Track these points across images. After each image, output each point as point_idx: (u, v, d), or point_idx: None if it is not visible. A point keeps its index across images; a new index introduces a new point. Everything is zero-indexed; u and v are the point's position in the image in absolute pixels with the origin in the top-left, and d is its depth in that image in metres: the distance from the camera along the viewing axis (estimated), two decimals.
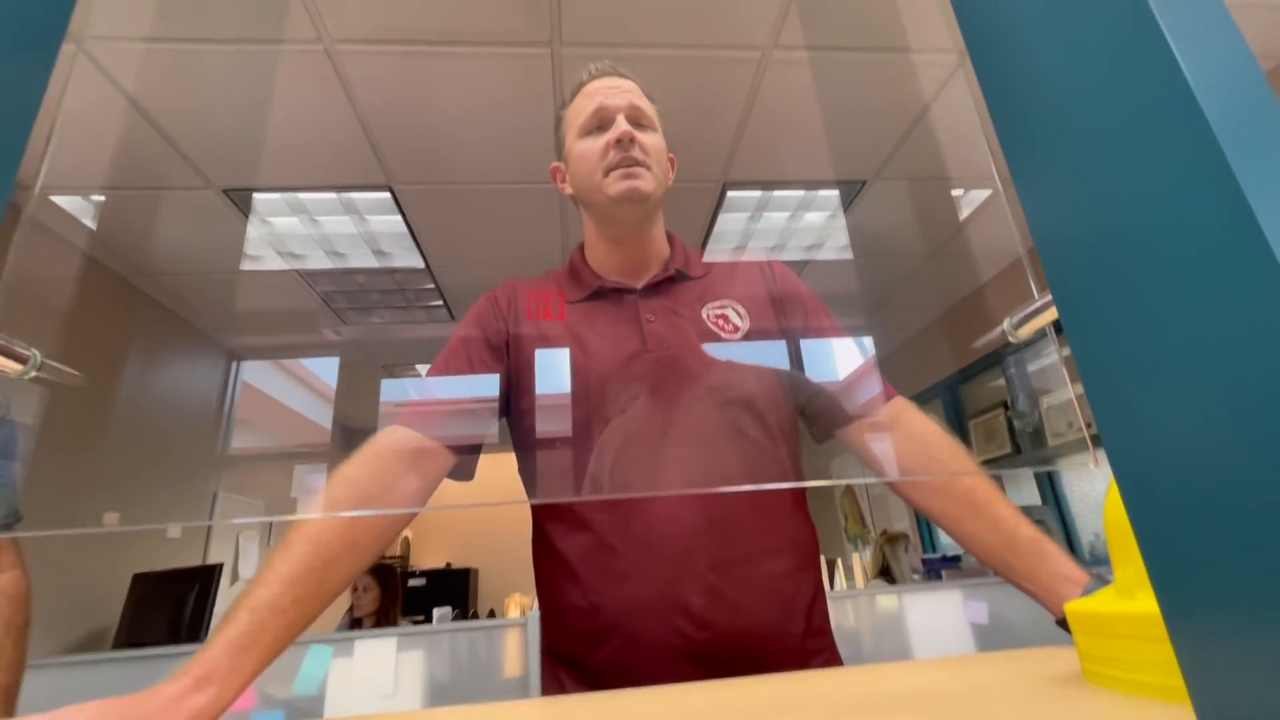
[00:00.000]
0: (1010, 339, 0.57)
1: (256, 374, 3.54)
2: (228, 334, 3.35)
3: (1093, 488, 2.93)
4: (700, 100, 2.03)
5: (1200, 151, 0.17)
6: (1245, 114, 0.17)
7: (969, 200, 2.73)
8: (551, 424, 0.73)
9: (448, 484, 0.80)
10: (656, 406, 0.70)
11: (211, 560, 2.88)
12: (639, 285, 0.79)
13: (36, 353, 0.76)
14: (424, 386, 0.76)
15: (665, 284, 0.80)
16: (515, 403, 0.76)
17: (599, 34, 1.77)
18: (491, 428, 0.76)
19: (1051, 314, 0.52)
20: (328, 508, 0.62)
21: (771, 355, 0.79)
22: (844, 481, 4.28)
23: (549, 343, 0.75)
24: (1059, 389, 3.00)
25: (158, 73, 1.78)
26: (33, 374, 0.75)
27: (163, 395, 3.00)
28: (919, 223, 2.85)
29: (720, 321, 0.77)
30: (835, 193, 2.59)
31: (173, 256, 2.66)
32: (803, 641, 0.68)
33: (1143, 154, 0.19)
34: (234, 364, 3.47)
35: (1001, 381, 3.40)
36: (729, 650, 0.63)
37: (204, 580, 2.33)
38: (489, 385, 0.75)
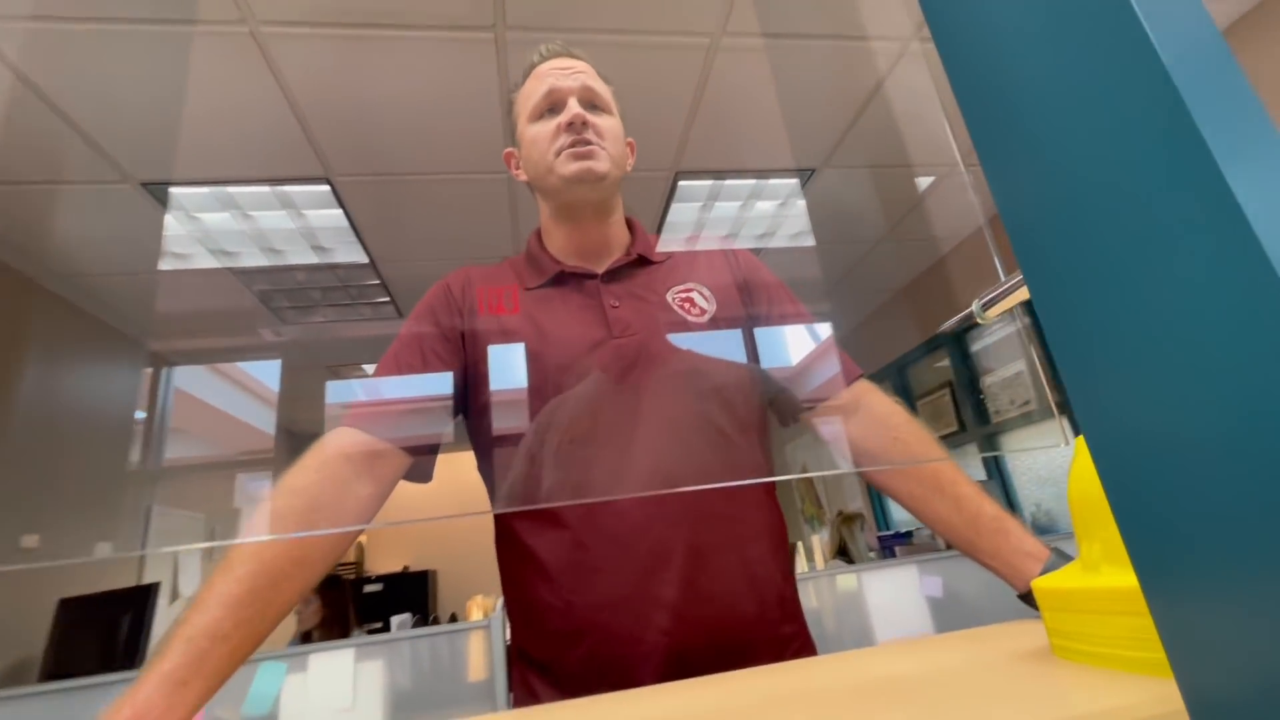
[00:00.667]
0: (979, 320, 0.58)
1: (190, 380, 3.34)
2: (157, 338, 3.14)
3: (1034, 462, 3.08)
4: (650, 88, 2.01)
5: (1173, 125, 0.16)
6: (1217, 87, 0.17)
7: (915, 186, 2.81)
8: (516, 418, 0.70)
9: (408, 490, 0.76)
10: (625, 394, 0.69)
11: (148, 579, 2.70)
12: (600, 271, 0.77)
13: None
14: (373, 385, 0.72)
15: (628, 269, 0.78)
16: (474, 397, 0.72)
17: (543, 19, 1.72)
18: (447, 426, 0.72)
19: (1020, 295, 0.53)
20: (274, 521, 0.57)
21: (738, 338, 0.78)
22: (814, 475, 4.37)
23: (509, 333, 0.72)
24: (999, 368, 3.14)
25: (64, 59, 1.64)
26: None
27: (86, 405, 2.80)
28: (865, 210, 2.92)
29: (686, 305, 0.76)
30: (786, 181, 2.62)
31: (89, 257, 2.47)
32: (779, 627, 0.67)
33: (1112, 129, 0.18)
34: (165, 370, 3.26)
35: (946, 363, 3.54)
36: (707, 641, 0.62)
37: (139, 602, 2.18)
38: (444, 381, 0.71)
